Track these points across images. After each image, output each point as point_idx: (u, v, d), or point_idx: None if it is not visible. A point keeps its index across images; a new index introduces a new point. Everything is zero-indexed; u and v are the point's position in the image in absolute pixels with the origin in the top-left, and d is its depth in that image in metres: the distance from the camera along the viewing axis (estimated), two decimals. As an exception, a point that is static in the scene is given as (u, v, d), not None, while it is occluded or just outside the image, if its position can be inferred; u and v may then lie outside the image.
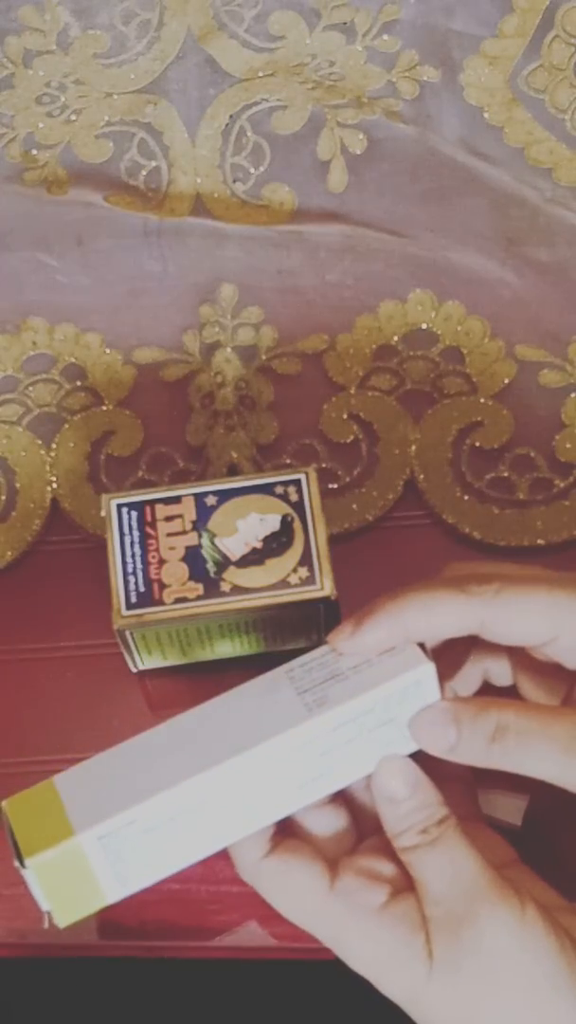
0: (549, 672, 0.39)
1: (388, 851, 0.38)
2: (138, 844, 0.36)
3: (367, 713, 0.37)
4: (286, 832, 0.39)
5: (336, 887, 0.37)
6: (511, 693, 0.41)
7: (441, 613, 0.37)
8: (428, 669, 0.37)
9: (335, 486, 0.53)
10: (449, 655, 0.40)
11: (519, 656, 0.39)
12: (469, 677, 0.41)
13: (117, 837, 0.36)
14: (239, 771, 0.37)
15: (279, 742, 0.37)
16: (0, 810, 0.37)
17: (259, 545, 0.45)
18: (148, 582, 0.45)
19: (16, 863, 0.36)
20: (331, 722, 0.37)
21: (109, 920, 0.45)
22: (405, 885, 0.37)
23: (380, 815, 0.38)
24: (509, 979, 0.35)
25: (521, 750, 0.36)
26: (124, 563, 0.45)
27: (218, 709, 0.38)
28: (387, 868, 0.38)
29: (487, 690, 0.41)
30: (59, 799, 0.36)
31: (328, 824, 0.39)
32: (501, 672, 0.41)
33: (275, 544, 0.45)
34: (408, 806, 0.37)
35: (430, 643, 0.39)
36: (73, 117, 0.60)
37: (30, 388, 0.57)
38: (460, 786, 0.40)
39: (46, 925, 0.37)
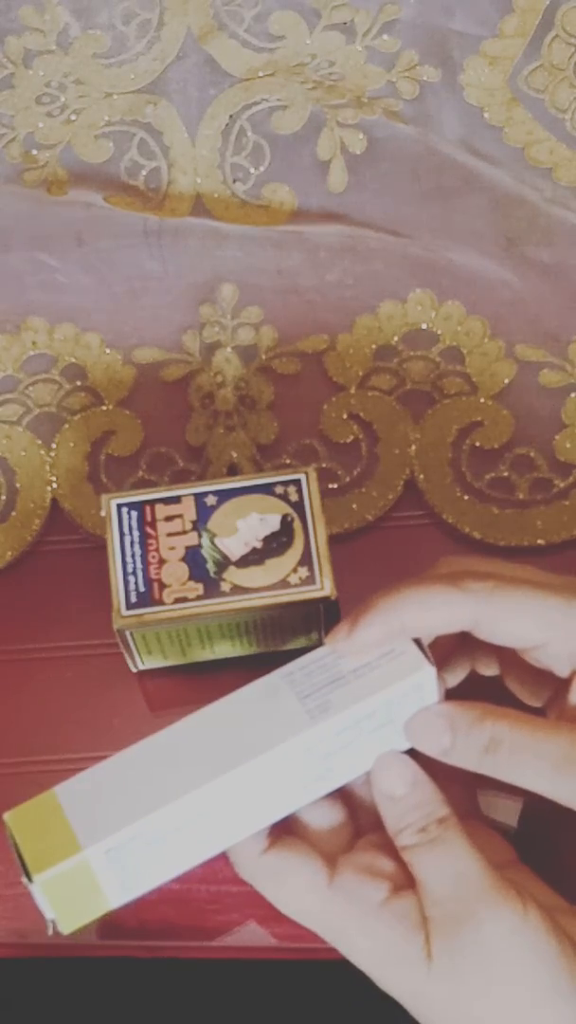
0: (536, 674, 0.39)
1: (388, 847, 0.38)
2: (143, 854, 0.36)
3: (369, 717, 0.37)
4: (283, 829, 0.39)
5: (335, 883, 0.37)
6: (498, 683, 0.41)
7: (436, 609, 0.37)
8: (429, 672, 0.37)
9: (335, 486, 0.53)
10: (440, 642, 0.40)
11: (508, 655, 0.39)
12: (458, 665, 0.41)
13: (123, 850, 0.36)
14: (244, 779, 0.36)
15: (283, 750, 0.37)
16: (1, 820, 0.37)
17: (259, 545, 0.45)
18: (148, 582, 0.45)
19: (23, 878, 0.35)
20: (334, 728, 0.37)
21: (109, 920, 0.45)
22: (405, 882, 0.37)
23: (380, 813, 0.38)
24: (509, 980, 0.35)
25: (513, 764, 0.36)
26: (124, 563, 0.45)
27: (219, 715, 0.38)
28: (387, 864, 0.38)
29: (474, 678, 0.41)
30: (62, 811, 0.36)
31: (325, 820, 0.39)
32: (489, 662, 0.41)
33: (275, 544, 0.45)
34: (407, 804, 0.37)
35: (425, 639, 0.39)
36: (73, 117, 0.60)
37: (30, 388, 0.57)
38: (459, 784, 0.40)
39: (50, 932, 0.37)
